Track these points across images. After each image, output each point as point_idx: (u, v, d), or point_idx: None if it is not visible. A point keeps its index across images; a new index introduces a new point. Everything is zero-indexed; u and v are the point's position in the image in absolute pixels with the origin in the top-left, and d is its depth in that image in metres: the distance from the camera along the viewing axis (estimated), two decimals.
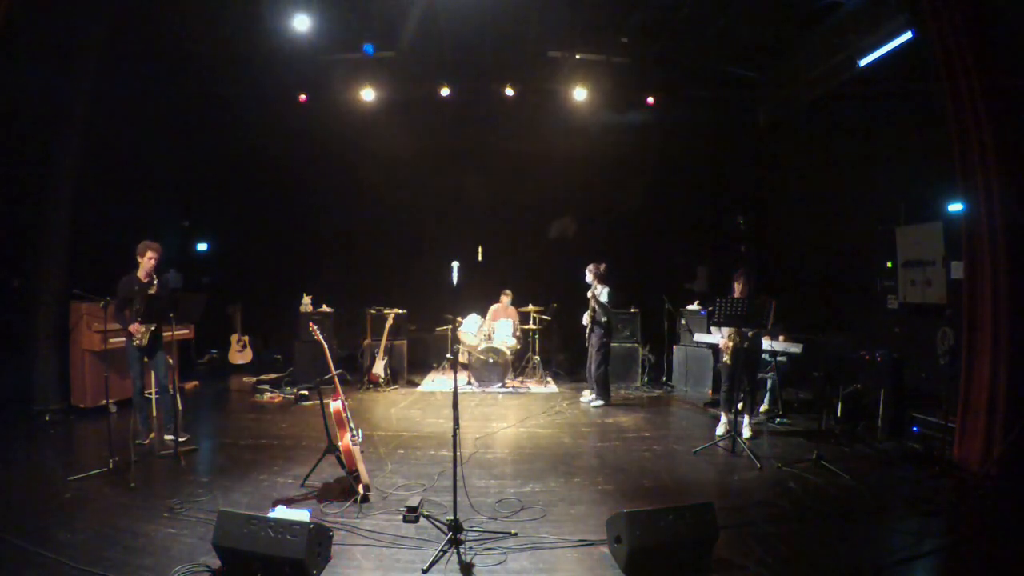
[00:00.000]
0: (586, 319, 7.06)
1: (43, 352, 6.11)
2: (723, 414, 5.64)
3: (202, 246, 9.79)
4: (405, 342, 8.41)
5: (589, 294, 6.99)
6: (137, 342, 4.97)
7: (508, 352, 8.01)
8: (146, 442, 5.09)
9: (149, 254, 5.01)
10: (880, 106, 6.84)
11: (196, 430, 5.79)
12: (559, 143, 9.17)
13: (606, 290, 6.91)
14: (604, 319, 6.99)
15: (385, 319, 7.94)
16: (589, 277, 7.01)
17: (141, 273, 5.02)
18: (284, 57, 7.80)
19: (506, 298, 8.58)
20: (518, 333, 8.43)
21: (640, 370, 8.27)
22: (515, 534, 3.54)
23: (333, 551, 3.24)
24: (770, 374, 6.44)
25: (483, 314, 8.53)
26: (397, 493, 4.17)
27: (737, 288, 5.55)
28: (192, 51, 7.36)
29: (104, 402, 5.62)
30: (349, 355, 8.85)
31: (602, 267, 7.01)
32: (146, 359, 5.09)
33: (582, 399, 7.28)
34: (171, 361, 5.20)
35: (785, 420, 6.23)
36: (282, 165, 9.15)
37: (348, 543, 3.42)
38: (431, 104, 8.83)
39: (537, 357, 8.59)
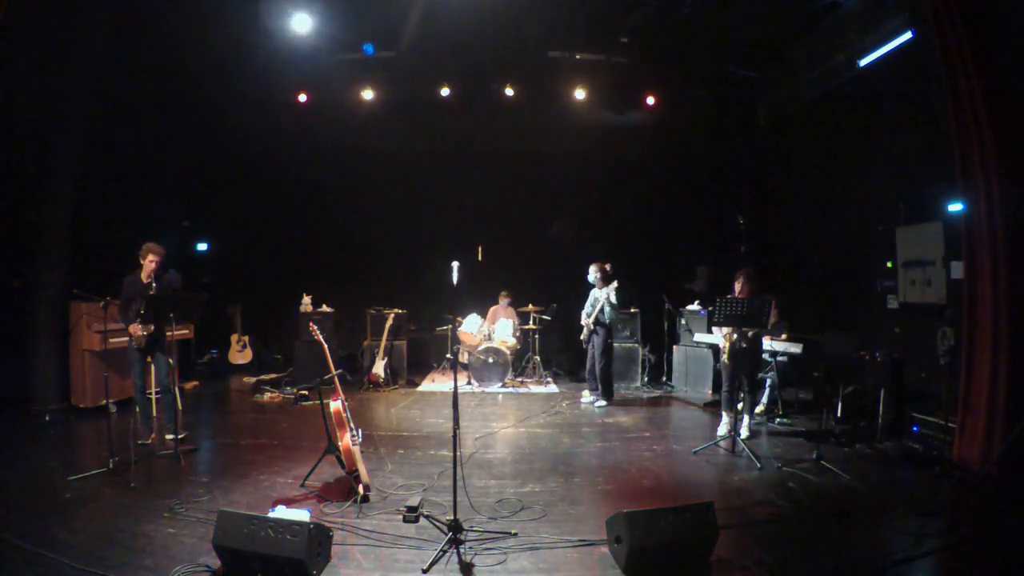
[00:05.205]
0: (591, 320, 6.98)
1: (43, 352, 6.11)
2: (724, 414, 5.64)
3: (202, 246, 9.80)
4: (405, 342, 8.40)
5: (600, 295, 6.92)
6: (136, 344, 4.99)
7: (508, 352, 8.00)
8: (148, 442, 5.10)
9: (150, 257, 5.00)
10: (880, 106, 6.84)
11: (196, 430, 5.79)
12: (559, 143, 9.17)
13: (614, 289, 6.83)
14: (610, 320, 6.96)
15: (385, 319, 7.94)
16: (596, 277, 6.97)
17: (143, 274, 5.03)
18: (284, 57, 7.81)
19: (505, 299, 8.58)
20: (518, 333, 8.43)
21: (640, 370, 8.27)
22: (515, 534, 3.54)
23: (333, 551, 3.23)
24: (770, 374, 6.44)
25: (483, 314, 8.53)
26: (397, 493, 4.17)
27: (737, 288, 5.55)
28: (192, 51, 7.36)
29: (104, 402, 5.62)
30: (349, 355, 8.85)
31: (607, 266, 6.99)
32: (148, 359, 5.10)
33: (582, 399, 7.27)
34: (171, 361, 5.20)
35: (785, 420, 6.23)
36: (282, 165, 9.16)
37: (348, 543, 3.42)
38: (431, 104, 8.83)
39: (537, 357, 8.58)
